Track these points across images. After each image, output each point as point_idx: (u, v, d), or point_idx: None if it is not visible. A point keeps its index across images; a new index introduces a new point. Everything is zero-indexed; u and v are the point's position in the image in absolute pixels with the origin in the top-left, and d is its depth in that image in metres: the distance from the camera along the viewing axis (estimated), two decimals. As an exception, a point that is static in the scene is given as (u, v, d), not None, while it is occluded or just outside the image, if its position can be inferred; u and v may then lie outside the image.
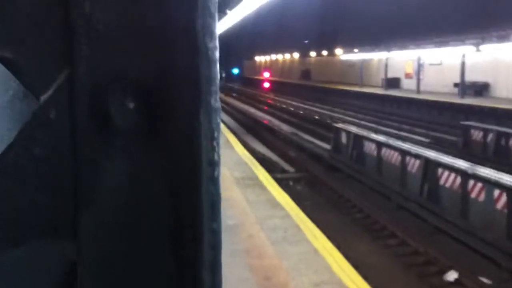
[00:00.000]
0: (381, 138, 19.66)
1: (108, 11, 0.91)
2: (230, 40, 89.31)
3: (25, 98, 0.91)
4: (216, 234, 0.97)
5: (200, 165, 0.94)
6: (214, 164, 0.94)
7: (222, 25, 39.06)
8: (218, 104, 0.95)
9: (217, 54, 0.94)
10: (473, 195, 13.27)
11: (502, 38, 35.80)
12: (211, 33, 0.93)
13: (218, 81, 0.95)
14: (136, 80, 0.91)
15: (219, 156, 0.96)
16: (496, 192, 12.38)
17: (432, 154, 15.72)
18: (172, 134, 0.93)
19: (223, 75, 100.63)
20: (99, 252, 0.96)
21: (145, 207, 0.94)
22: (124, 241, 0.96)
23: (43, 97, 0.90)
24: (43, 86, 0.90)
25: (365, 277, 8.93)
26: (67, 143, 0.92)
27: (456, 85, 42.41)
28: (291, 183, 19.59)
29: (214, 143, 0.95)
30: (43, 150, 0.92)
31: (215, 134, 0.95)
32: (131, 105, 0.91)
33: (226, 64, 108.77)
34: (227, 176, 14.56)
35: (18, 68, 0.90)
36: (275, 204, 11.87)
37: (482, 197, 12.94)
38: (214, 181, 0.94)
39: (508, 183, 12.03)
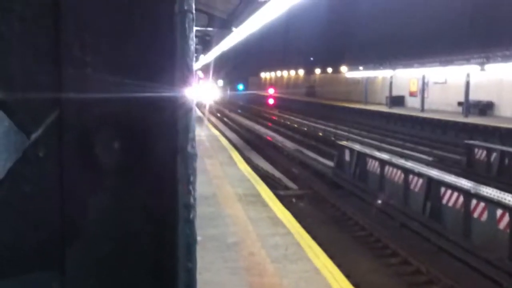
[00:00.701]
0: (384, 156, 19.63)
1: (96, 56, 0.95)
2: (235, 57, 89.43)
3: (19, 131, 0.94)
4: (190, 274, 1.02)
5: (176, 208, 0.99)
6: (190, 207, 1.00)
7: (227, 42, 39.11)
8: (194, 150, 1.01)
9: (194, 103, 1.00)
10: (475, 214, 13.25)
11: (506, 58, 35.77)
12: (189, 84, 0.99)
13: (195, 128, 1.01)
14: (120, 122, 0.96)
15: (195, 199, 1.01)
16: (499, 212, 12.36)
17: (435, 173, 15.70)
18: (151, 176, 0.98)
19: (228, 91, 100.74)
20: (85, 284, 0.99)
21: (128, 242, 0.98)
22: (108, 274, 1.00)
23: (33, 136, 0.93)
24: (33, 126, 0.93)
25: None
26: (55, 180, 0.95)
27: (460, 103, 42.42)
28: (294, 200, 19.56)
29: (190, 187, 1.00)
30: (32, 187, 0.95)
31: (191, 179, 1.01)
32: (116, 146, 0.96)
33: (231, 80, 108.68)
34: (229, 193, 14.56)
35: (9, 108, 0.93)
36: (277, 222, 11.84)
37: (484, 216, 12.92)
38: (190, 223, 1.00)
39: (511, 203, 12.00)
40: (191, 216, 1.00)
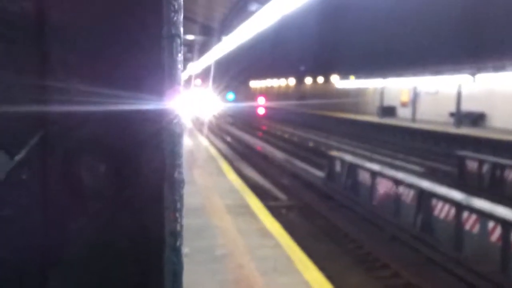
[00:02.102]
0: (375, 167, 19.55)
1: (81, 80, 0.92)
2: (225, 66, 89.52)
3: (3, 153, 0.91)
4: None
5: (162, 235, 0.96)
6: (176, 235, 0.97)
7: (217, 51, 39.05)
8: (181, 177, 0.97)
9: (181, 129, 0.97)
10: (467, 226, 13.15)
11: (498, 69, 35.95)
12: (175, 112, 0.96)
13: (182, 155, 0.97)
14: (106, 146, 0.93)
15: (181, 227, 0.98)
16: (491, 224, 12.27)
17: (426, 184, 15.61)
18: (137, 203, 0.95)
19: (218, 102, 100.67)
20: None
21: (112, 269, 0.94)
22: None
23: (17, 157, 0.90)
24: (17, 147, 0.90)
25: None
26: (38, 203, 0.92)
27: (452, 114, 42.60)
28: (283, 211, 19.45)
29: (177, 214, 0.97)
30: (14, 210, 0.91)
31: (178, 206, 0.97)
32: (101, 170, 0.93)
33: (221, 89, 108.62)
34: (218, 204, 14.46)
35: None
36: (266, 234, 11.75)
37: (476, 229, 12.83)
38: (176, 251, 0.97)
39: (503, 215, 11.93)
40: (178, 243, 0.97)
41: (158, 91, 0.94)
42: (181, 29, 0.96)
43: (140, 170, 0.94)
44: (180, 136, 0.96)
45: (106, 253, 0.93)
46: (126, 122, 0.93)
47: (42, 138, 0.90)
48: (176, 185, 0.96)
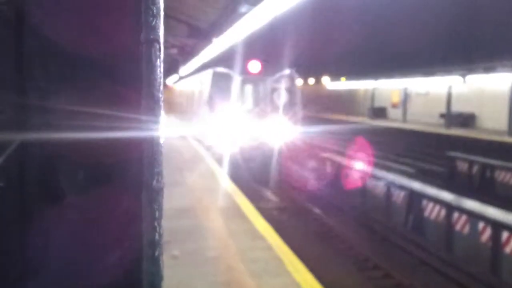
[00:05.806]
0: (365, 168, 19.56)
1: (60, 88, 0.91)
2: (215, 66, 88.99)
3: None
4: None
5: (140, 246, 0.94)
6: (155, 245, 0.95)
7: (207, 53, 38.69)
8: (160, 185, 0.96)
9: (161, 138, 0.95)
10: (457, 227, 13.17)
11: (488, 70, 36.02)
12: (156, 117, 0.94)
13: (161, 163, 0.96)
14: (84, 155, 0.91)
15: (160, 236, 0.97)
16: (481, 225, 12.29)
17: (417, 185, 15.63)
18: (114, 212, 0.94)
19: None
20: None
21: (90, 278, 0.93)
22: None
23: None
24: None
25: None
26: (16, 212, 0.90)
27: (442, 115, 42.62)
28: (275, 212, 19.41)
29: (155, 223, 0.95)
30: None
31: (157, 215, 0.95)
32: (79, 179, 0.92)
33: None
34: (209, 206, 14.42)
35: None
36: (257, 235, 11.72)
37: (466, 229, 12.85)
38: (155, 261, 0.95)
39: (493, 215, 11.95)
40: (156, 253, 0.96)
41: (137, 98, 0.93)
42: (161, 34, 0.94)
43: (118, 178, 0.93)
44: (159, 144, 0.94)
45: (84, 261, 0.92)
46: (104, 129, 0.91)
47: (20, 145, 0.88)
48: (154, 194, 0.94)
